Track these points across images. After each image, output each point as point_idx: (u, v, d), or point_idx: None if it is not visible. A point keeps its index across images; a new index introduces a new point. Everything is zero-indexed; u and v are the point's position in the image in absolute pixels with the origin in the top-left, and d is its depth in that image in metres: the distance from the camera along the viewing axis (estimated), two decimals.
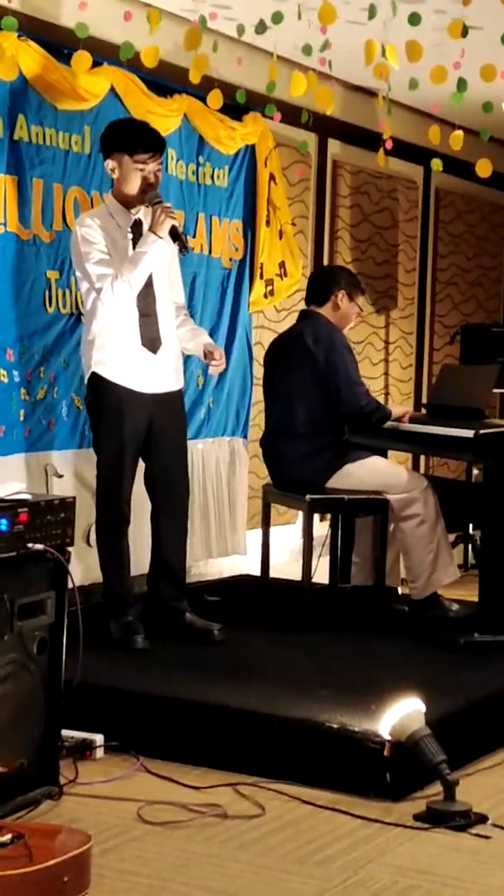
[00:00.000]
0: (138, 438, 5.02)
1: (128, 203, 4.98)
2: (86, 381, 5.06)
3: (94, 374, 4.99)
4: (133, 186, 4.93)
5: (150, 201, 4.92)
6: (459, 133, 5.67)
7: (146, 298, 4.96)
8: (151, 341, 4.99)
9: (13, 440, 5.29)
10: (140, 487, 5.13)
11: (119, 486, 5.00)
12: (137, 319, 4.95)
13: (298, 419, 5.54)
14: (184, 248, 4.94)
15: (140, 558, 5.19)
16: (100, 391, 4.99)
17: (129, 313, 4.93)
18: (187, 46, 5.22)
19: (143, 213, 5.00)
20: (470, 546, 7.54)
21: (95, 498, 5.14)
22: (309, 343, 5.54)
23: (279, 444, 5.64)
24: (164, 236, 4.87)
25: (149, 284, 4.95)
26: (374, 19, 5.08)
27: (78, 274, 5.02)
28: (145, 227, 4.97)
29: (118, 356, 4.95)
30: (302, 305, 7.27)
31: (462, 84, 5.44)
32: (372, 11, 5.06)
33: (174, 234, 4.89)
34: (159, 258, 4.90)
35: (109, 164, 4.97)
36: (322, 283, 5.79)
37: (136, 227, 4.98)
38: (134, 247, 4.94)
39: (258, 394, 6.69)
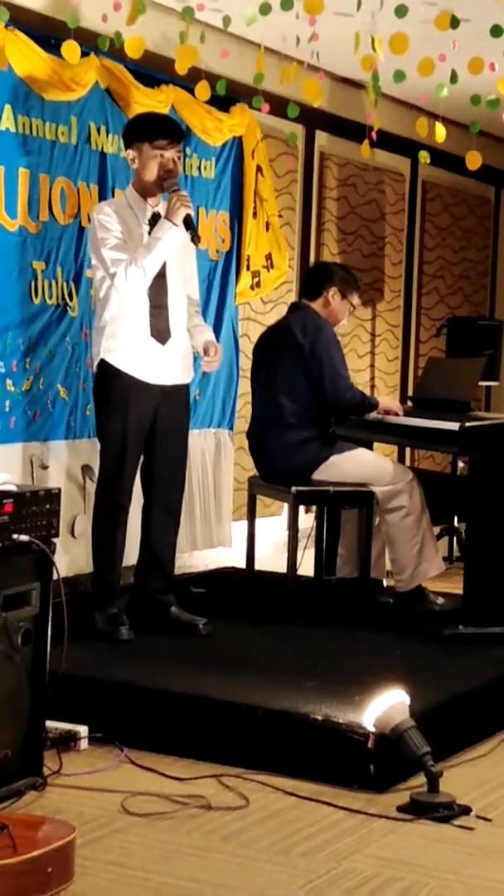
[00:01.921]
0: (143, 429, 5.01)
1: (147, 193, 4.99)
2: (94, 368, 5.05)
3: (102, 362, 4.98)
4: (152, 173, 4.94)
5: (168, 188, 4.93)
6: (442, 127, 5.68)
7: (158, 290, 4.95)
8: (160, 332, 4.98)
9: None
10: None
11: (120, 476, 4.99)
12: (148, 310, 4.95)
13: (285, 410, 5.54)
14: (196, 238, 4.94)
15: (128, 550, 5.19)
16: (107, 379, 4.99)
17: (140, 303, 4.93)
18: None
19: (161, 207, 4.99)
20: (455, 539, 7.56)
21: (96, 486, 5.12)
22: (297, 334, 5.54)
23: (265, 436, 5.64)
24: (179, 224, 4.87)
25: (161, 276, 4.94)
26: (362, 10, 5.07)
27: (93, 261, 4.99)
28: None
29: (127, 345, 4.95)
30: (289, 297, 7.29)
31: (453, 77, 5.43)
32: (359, 2, 5.05)
33: (188, 223, 4.90)
34: (174, 245, 4.89)
35: (130, 154, 4.99)
36: (315, 278, 5.79)
37: (155, 220, 4.97)
38: None
39: (244, 385, 6.70)
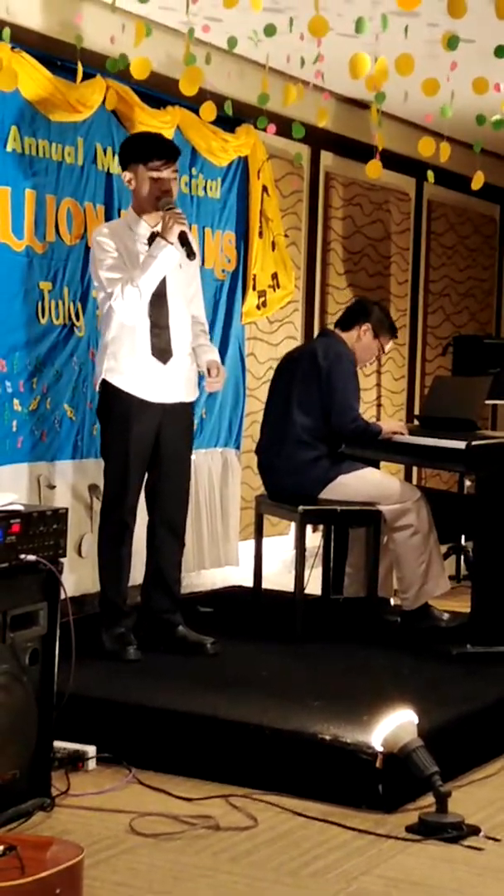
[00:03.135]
0: (146, 447, 5.02)
1: (144, 212, 5.02)
2: (97, 388, 5.08)
3: (104, 382, 5.01)
4: (148, 194, 4.97)
5: (163, 206, 4.95)
6: (447, 146, 5.69)
7: (159, 310, 4.97)
8: (161, 352, 4.99)
9: (5, 451, 5.29)
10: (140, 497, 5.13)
11: (124, 495, 5.00)
12: (149, 330, 4.97)
13: (298, 426, 5.58)
14: (191, 254, 4.96)
15: (135, 569, 5.19)
16: (109, 398, 5.01)
17: (140, 323, 4.95)
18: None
19: (160, 228, 5.01)
20: (462, 557, 7.55)
21: (101, 506, 5.13)
22: (319, 357, 5.64)
23: (275, 453, 5.66)
24: (174, 241, 4.89)
25: (162, 295, 4.96)
26: (366, 32, 5.09)
27: (95, 283, 5.06)
28: None
29: (128, 365, 4.97)
30: (295, 317, 7.31)
31: (452, 97, 5.45)
32: (359, 25, 5.07)
33: (182, 240, 4.92)
34: (169, 263, 4.91)
35: (126, 175, 5.03)
36: (353, 311, 5.89)
37: (153, 239, 4.98)
38: None
39: (251, 405, 6.71)
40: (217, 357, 5.27)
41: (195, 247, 5.02)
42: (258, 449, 5.85)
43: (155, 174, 4.96)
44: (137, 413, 4.98)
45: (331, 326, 6.08)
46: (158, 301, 4.96)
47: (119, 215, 5.73)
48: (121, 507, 5.00)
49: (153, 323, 4.97)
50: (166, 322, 5.00)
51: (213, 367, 5.16)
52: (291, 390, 5.66)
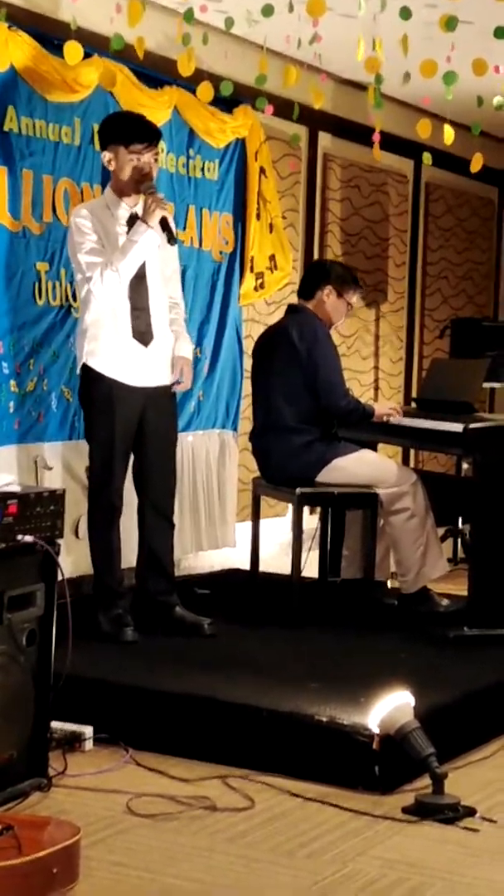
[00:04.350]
0: (129, 431, 5.02)
1: (124, 194, 4.99)
2: (78, 371, 5.06)
3: (85, 366, 4.99)
4: (128, 176, 4.95)
5: (144, 190, 4.93)
6: (451, 129, 5.67)
7: (139, 292, 4.95)
8: (142, 335, 4.99)
9: (3, 432, 5.28)
10: (129, 480, 5.13)
11: (110, 478, 4.99)
12: (129, 312, 4.95)
13: (285, 415, 5.53)
14: (171, 239, 4.94)
15: (129, 552, 5.19)
16: (91, 382, 4.99)
17: (120, 305, 4.93)
18: (179, 39, 5.21)
19: (140, 208, 4.99)
20: (459, 540, 7.55)
21: (87, 489, 5.13)
22: (294, 339, 5.52)
23: (268, 441, 5.63)
24: (155, 226, 4.88)
25: (142, 277, 4.94)
26: (364, 12, 5.07)
27: (73, 265, 5.03)
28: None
29: (109, 348, 4.95)
30: (292, 298, 7.27)
31: (448, 78, 5.41)
32: (360, 5, 5.05)
33: (163, 224, 4.90)
34: (149, 248, 4.91)
35: (106, 155, 4.99)
36: (311, 278, 5.76)
37: (132, 221, 4.97)
38: None
39: (248, 387, 6.69)
40: (188, 351, 5.23)
41: (175, 232, 4.98)
42: (251, 435, 5.82)
43: (136, 156, 4.93)
44: (120, 397, 4.96)
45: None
46: (138, 283, 4.94)
47: None
48: (107, 491, 5.00)
49: (133, 305, 4.95)
50: (146, 304, 4.98)
51: (181, 364, 5.12)
52: (271, 379, 5.59)
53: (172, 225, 4.96)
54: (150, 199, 4.89)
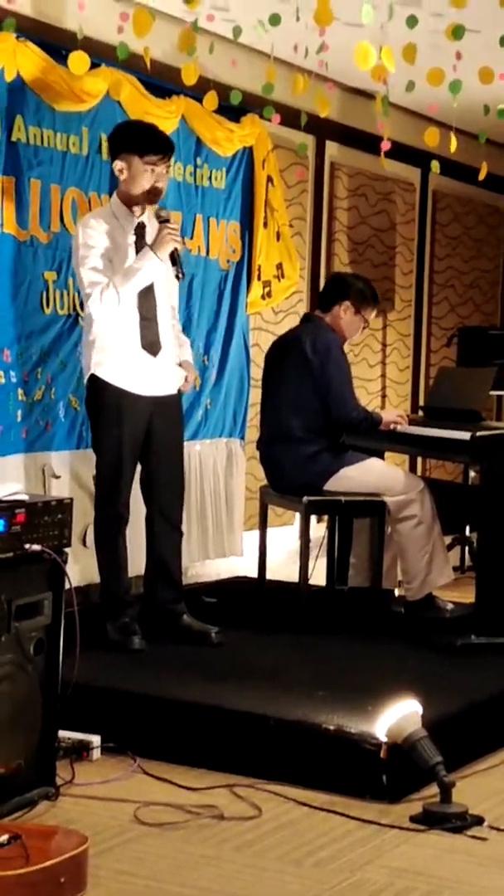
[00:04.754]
0: (137, 440, 5.02)
1: (132, 203, 4.98)
2: (85, 382, 5.06)
3: (93, 376, 5.00)
4: (141, 187, 4.93)
5: (158, 217, 4.92)
6: (455, 138, 5.68)
7: (148, 302, 4.95)
8: (151, 345, 4.99)
9: (11, 441, 5.29)
10: (136, 489, 5.13)
11: (117, 488, 5.00)
12: (138, 322, 4.95)
13: (293, 425, 5.55)
14: (180, 274, 4.93)
15: (136, 560, 5.20)
16: (99, 393, 5.00)
17: (129, 316, 4.93)
18: (181, 48, 5.22)
19: (146, 216, 4.99)
20: (466, 548, 7.55)
21: (94, 499, 5.14)
22: (307, 350, 5.55)
23: (276, 450, 5.64)
24: (165, 258, 4.87)
25: (150, 288, 4.94)
26: (371, 21, 5.08)
27: (76, 276, 5.03)
28: (149, 229, 4.96)
29: (117, 358, 4.96)
30: (300, 307, 7.30)
31: (453, 87, 5.43)
32: (366, 13, 5.06)
33: (173, 259, 4.89)
34: (153, 276, 4.90)
35: (118, 164, 4.95)
36: (330, 292, 5.79)
37: (140, 230, 4.97)
38: (136, 249, 4.94)
39: (255, 395, 6.70)
40: (190, 356, 5.25)
41: (183, 270, 4.95)
42: (259, 442, 5.83)
43: (150, 168, 4.90)
44: (128, 407, 4.97)
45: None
46: (147, 293, 4.94)
47: None
48: (114, 500, 5.01)
49: (142, 315, 4.95)
50: (154, 314, 4.98)
51: (188, 369, 5.15)
52: (283, 388, 5.61)
53: (182, 261, 4.93)
54: (164, 230, 4.86)
